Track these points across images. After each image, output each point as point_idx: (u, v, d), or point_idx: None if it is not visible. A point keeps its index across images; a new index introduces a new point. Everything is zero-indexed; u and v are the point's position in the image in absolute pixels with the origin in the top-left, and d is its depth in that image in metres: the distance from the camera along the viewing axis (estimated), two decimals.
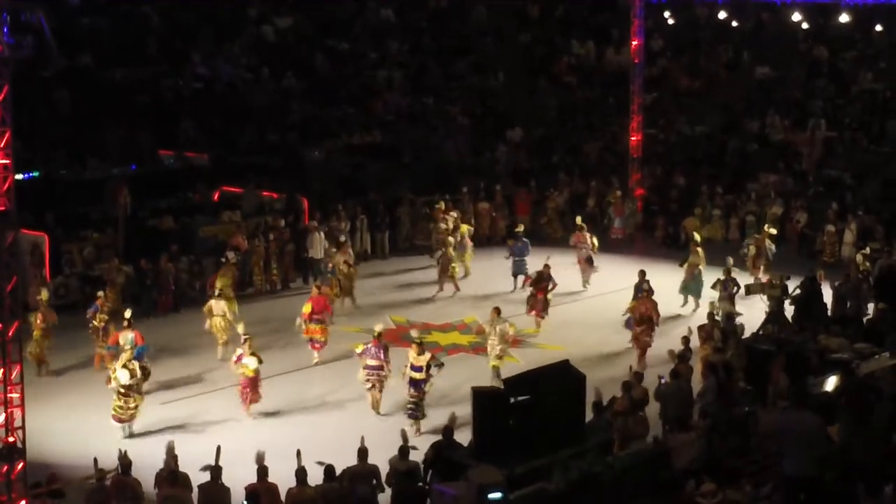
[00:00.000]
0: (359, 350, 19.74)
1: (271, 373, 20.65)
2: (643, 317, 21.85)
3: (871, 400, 14.51)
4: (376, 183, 32.60)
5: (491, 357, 20.88)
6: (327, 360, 22.08)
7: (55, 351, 22.18)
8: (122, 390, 18.78)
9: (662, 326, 22.41)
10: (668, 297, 24.28)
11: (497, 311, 21.19)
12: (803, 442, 12.76)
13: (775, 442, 13.23)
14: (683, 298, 25.20)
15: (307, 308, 22.02)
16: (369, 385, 19.60)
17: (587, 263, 27.07)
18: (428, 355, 19.07)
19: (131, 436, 18.64)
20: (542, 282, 23.95)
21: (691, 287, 25.18)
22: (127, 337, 20.43)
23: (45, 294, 22.59)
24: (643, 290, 22.55)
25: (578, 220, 28.40)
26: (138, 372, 19.01)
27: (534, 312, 23.87)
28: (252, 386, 19.57)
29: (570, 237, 27.92)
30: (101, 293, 22.82)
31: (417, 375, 18.85)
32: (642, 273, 23.39)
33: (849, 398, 14.81)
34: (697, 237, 26.62)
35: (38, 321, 21.75)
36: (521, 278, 26.50)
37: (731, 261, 24.31)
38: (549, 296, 24.02)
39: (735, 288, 22.92)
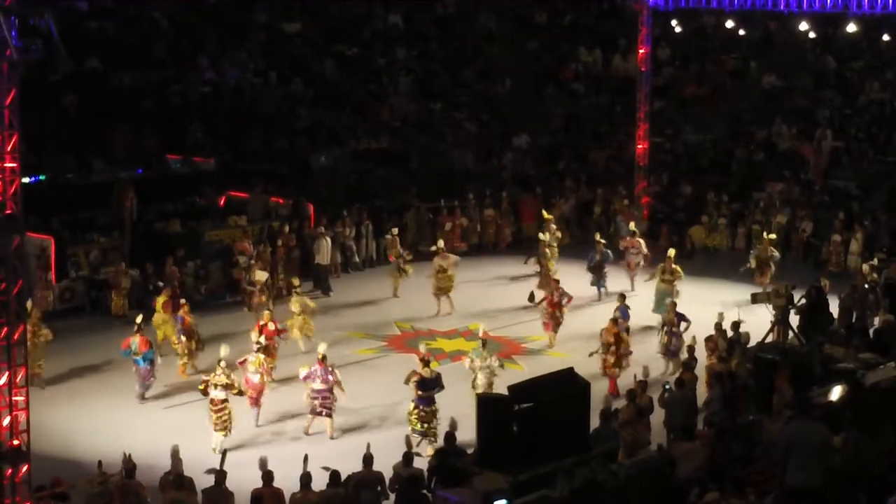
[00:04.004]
0: (303, 373, 19.20)
1: (277, 377, 20.68)
2: (608, 345, 21.12)
3: (880, 411, 14.46)
4: (383, 189, 32.64)
5: (479, 387, 19.79)
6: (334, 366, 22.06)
7: (61, 355, 22.13)
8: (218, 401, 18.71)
9: (647, 335, 22.24)
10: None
11: (484, 343, 20.30)
12: (810, 453, 12.69)
13: (780, 452, 13.17)
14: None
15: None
16: (318, 411, 19.03)
17: (636, 268, 27.05)
18: (416, 373, 18.58)
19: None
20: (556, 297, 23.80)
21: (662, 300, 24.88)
22: (136, 341, 20.55)
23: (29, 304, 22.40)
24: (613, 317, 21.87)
25: (632, 225, 28.39)
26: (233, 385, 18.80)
27: (549, 329, 23.77)
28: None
29: (622, 242, 27.84)
30: (184, 302, 22.71)
31: (422, 393, 18.45)
32: (622, 297, 22.98)
33: (857, 409, 14.76)
34: (671, 252, 26.02)
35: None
36: (602, 290, 26.47)
37: (670, 301, 23.21)
38: (564, 311, 23.80)
39: (684, 325, 21.92)
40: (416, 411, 18.43)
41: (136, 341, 20.60)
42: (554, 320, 23.65)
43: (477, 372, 19.78)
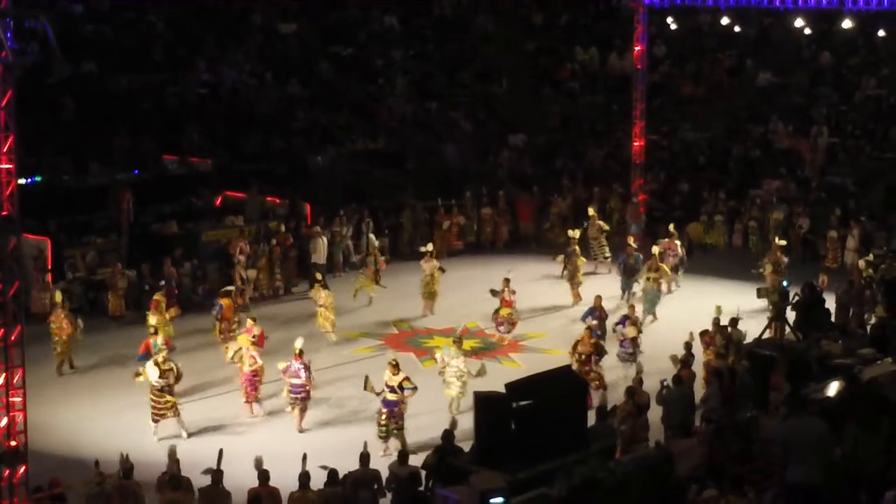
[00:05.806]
0: (282, 367, 19.28)
1: (275, 377, 20.65)
2: (583, 354, 20.41)
3: (877, 406, 14.48)
4: (381, 189, 32.64)
5: (450, 388, 19.69)
6: (331, 364, 22.06)
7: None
8: (157, 388, 18.77)
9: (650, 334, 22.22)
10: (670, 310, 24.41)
11: (459, 343, 20.18)
12: (809, 449, 12.70)
13: (779, 449, 13.18)
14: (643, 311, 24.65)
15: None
16: (292, 404, 19.21)
17: (673, 272, 26.74)
18: (402, 376, 18.41)
19: (162, 438, 18.52)
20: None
21: (651, 300, 24.77)
22: (157, 342, 20.57)
23: (58, 296, 22.66)
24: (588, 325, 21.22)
25: (671, 227, 27.92)
26: (174, 371, 18.96)
27: (502, 328, 23.85)
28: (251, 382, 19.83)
29: (658, 244, 26.80)
30: (230, 290, 23.18)
31: (392, 396, 18.30)
32: (598, 298, 22.58)
33: (855, 405, 14.77)
34: (656, 250, 25.91)
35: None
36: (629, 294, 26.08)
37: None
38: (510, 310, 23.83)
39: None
40: (388, 415, 18.28)
41: (160, 340, 20.58)
42: (504, 320, 23.77)
43: (445, 370, 19.75)
